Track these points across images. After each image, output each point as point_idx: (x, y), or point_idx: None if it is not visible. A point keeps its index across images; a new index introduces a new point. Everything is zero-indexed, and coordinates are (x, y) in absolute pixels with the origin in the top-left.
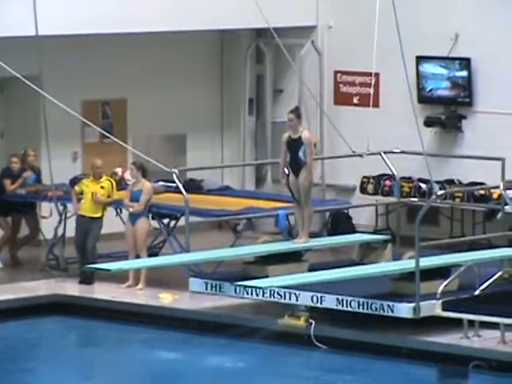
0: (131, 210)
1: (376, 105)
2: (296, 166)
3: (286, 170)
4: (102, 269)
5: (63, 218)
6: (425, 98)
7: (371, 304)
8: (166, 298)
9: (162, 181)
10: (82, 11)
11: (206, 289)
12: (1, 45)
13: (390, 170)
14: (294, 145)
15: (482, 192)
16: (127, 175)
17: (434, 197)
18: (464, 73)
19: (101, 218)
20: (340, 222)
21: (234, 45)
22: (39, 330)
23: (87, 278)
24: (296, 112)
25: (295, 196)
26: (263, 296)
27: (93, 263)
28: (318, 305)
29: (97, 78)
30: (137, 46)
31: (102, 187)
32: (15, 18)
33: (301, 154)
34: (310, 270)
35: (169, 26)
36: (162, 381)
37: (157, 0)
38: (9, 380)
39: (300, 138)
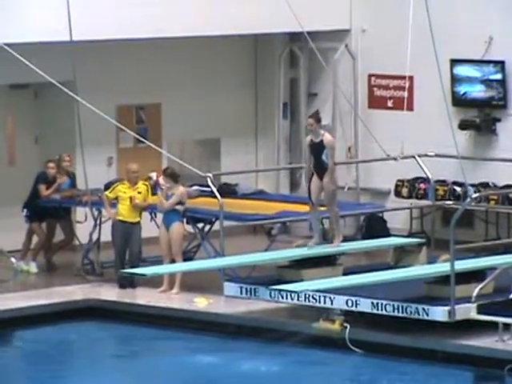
0: (159, 206)
1: (410, 108)
2: (320, 169)
3: (311, 172)
4: (137, 274)
5: (98, 222)
6: (459, 101)
7: (406, 307)
8: (200, 303)
9: (197, 185)
10: (116, 16)
11: (241, 293)
12: (35, 50)
13: (425, 173)
14: (317, 148)
15: None
16: (162, 180)
17: (468, 200)
18: (498, 75)
19: (139, 222)
20: (375, 226)
21: (268, 49)
22: (74, 334)
23: (129, 282)
24: (315, 116)
25: (312, 198)
26: (298, 300)
27: (137, 267)
28: (353, 308)
29: (131, 82)
30: (171, 50)
31: (139, 192)
32: (49, 24)
33: (324, 157)
34: (345, 273)
35: (203, 31)
36: None
37: (191, 5)
38: None
39: (322, 141)
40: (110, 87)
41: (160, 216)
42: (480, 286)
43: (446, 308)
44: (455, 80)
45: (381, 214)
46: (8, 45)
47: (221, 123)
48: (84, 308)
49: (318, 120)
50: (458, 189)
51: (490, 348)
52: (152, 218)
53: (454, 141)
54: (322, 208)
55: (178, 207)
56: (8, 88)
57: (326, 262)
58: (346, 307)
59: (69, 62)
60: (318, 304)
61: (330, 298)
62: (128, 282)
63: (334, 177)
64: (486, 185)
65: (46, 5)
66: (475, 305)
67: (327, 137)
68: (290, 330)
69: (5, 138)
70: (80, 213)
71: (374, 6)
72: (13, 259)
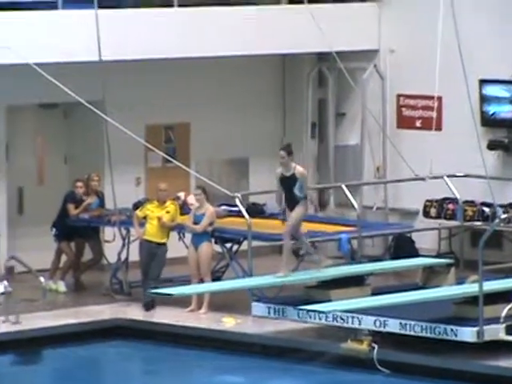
0: (191, 230)
1: (439, 128)
2: (292, 202)
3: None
4: (164, 294)
5: (126, 242)
6: (488, 121)
7: (435, 328)
8: (228, 322)
9: (225, 205)
10: (145, 36)
11: (269, 313)
12: (64, 70)
13: (453, 193)
14: (288, 182)
15: None
16: (190, 199)
17: (497, 220)
18: None
19: (166, 243)
20: (403, 246)
21: (296, 69)
22: (102, 354)
23: (149, 305)
24: (287, 149)
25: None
26: (326, 320)
27: (156, 288)
28: (381, 329)
29: (160, 102)
30: (199, 70)
31: (168, 212)
32: (78, 44)
33: (296, 190)
34: (373, 293)
35: (232, 51)
36: None
37: (219, 25)
38: None
39: (293, 174)
40: (138, 107)
41: (188, 236)
42: (508, 306)
43: (475, 329)
44: (484, 100)
45: (409, 235)
46: (38, 64)
47: (249, 143)
48: (112, 327)
49: (290, 152)
50: (486, 209)
51: None
52: (180, 237)
53: (483, 161)
54: (350, 228)
55: (207, 227)
56: (38, 107)
57: (354, 282)
58: (374, 327)
59: (98, 82)
60: (346, 324)
61: (358, 318)
62: (147, 304)
63: (302, 210)
64: None
65: (75, 25)
66: (504, 325)
67: (299, 169)
68: (318, 350)
69: (34, 158)
70: (108, 232)
71: (402, 26)
72: (41, 278)
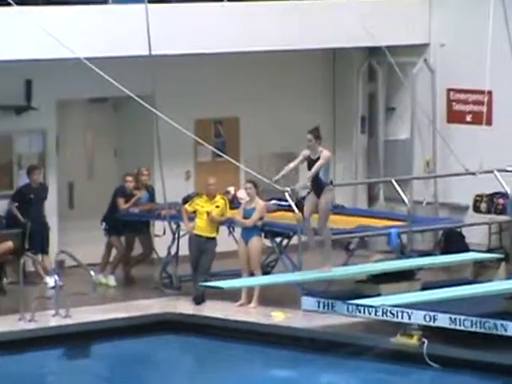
0: (241, 224)
1: (489, 123)
2: (317, 186)
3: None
4: (214, 287)
5: (176, 236)
6: None
7: (484, 323)
8: (278, 317)
9: (275, 199)
10: (195, 30)
11: (319, 307)
12: (115, 64)
13: (504, 188)
14: (314, 166)
15: None
16: (240, 194)
17: None
18: None
19: (215, 238)
20: (453, 241)
21: (346, 63)
22: (152, 348)
23: (198, 298)
24: (315, 133)
25: (306, 214)
26: (375, 315)
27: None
28: (431, 324)
29: (210, 96)
30: (249, 64)
31: (217, 206)
32: (129, 38)
33: (321, 175)
34: (423, 288)
35: (282, 45)
36: None
37: (269, 19)
38: None
39: (319, 158)
40: (188, 101)
41: (238, 230)
42: None
43: None
44: None
45: (459, 229)
46: (88, 59)
47: (299, 137)
48: (162, 321)
49: (317, 136)
50: None
51: None
52: (230, 232)
53: None
54: (400, 223)
55: (258, 221)
56: (88, 102)
57: (404, 276)
58: (423, 322)
59: (148, 76)
60: (395, 319)
61: (408, 313)
62: (197, 298)
63: (330, 196)
64: None
65: (125, 19)
66: None
67: (325, 153)
68: (368, 345)
69: (84, 152)
70: (158, 226)
71: (453, 21)
72: (92, 272)
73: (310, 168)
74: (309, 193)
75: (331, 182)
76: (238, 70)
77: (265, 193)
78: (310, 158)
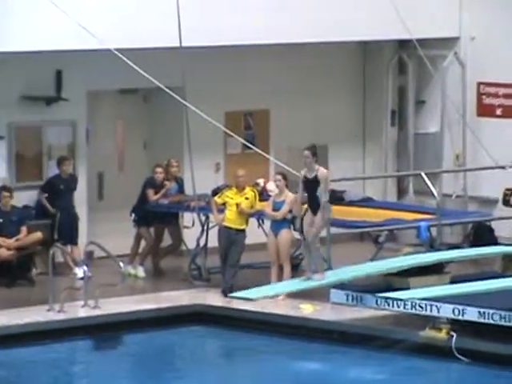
0: (270, 216)
1: None
2: (314, 205)
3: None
4: (244, 298)
5: (205, 228)
6: None
7: None
8: (306, 309)
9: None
10: (225, 22)
11: (347, 300)
12: (145, 56)
13: None
14: (310, 185)
15: None
16: (269, 186)
17: None
18: None
19: (245, 230)
20: (482, 234)
21: (376, 56)
22: (180, 339)
23: (227, 291)
24: (312, 150)
25: (305, 233)
26: (404, 308)
27: (235, 275)
28: (460, 317)
29: (240, 88)
30: (279, 56)
31: (247, 198)
32: (159, 29)
33: (318, 193)
34: (452, 282)
35: (312, 37)
36: None
37: (300, 12)
38: None
39: (316, 176)
40: (218, 93)
41: (267, 222)
42: None
43: None
44: None
45: (488, 223)
46: (118, 50)
47: (328, 130)
48: (190, 313)
49: (314, 153)
50: None
51: None
52: (259, 224)
53: None
54: (429, 216)
55: (287, 214)
56: (118, 93)
57: (433, 270)
58: (452, 316)
59: (178, 68)
60: (424, 312)
61: (437, 306)
62: (229, 290)
63: (326, 214)
64: None
65: (156, 10)
66: None
67: (322, 171)
68: (396, 338)
69: (114, 143)
70: (187, 218)
71: (483, 14)
72: (121, 263)
73: (306, 188)
74: (306, 211)
75: (329, 200)
76: (268, 62)
77: (294, 185)
78: (306, 177)
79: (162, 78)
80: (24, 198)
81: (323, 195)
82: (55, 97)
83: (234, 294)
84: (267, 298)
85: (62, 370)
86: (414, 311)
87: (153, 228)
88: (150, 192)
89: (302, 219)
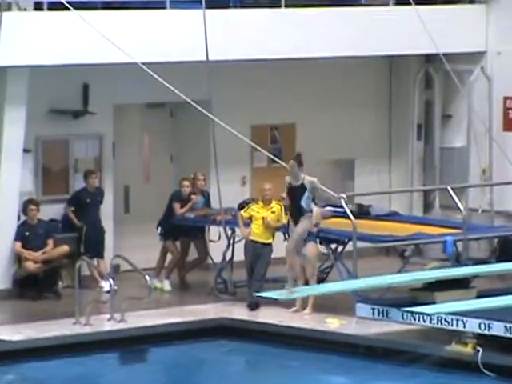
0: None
1: None
2: (297, 214)
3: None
4: (270, 298)
5: (231, 242)
6: None
7: None
8: (333, 323)
9: (330, 206)
10: (252, 37)
11: (373, 314)
12: (172, 70)
13: None
14: (295, 193)
15: None
16: None
17: None
18: None
19: (271, 244)
20: (508, 249)
21: (402, 70)
22: (206, 353)
23: (253, 305)
24: (298, 159)
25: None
26: (430, 322)
27: (261, 288)
28: (486, 332)
29: (266, 102)
30: (305, 71)
31: (273, 212)
32: (186, 43)
33: (303, 202)
34: (478, 296)
35: (339, 52)
36: None
37: (326, 26)
38: None
39: (302, 184)
40: (245, 107)
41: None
42: None
43: None
44: None
45: None
46: (145, 64)
47: (355, 144)
48: (216, 327)
49: (300, 162)
50: None
51: None
52: (285, 238)
53: None
54: (455, 230)
55: (313, 228)
56: (145, 107)
57: (459, 284)
58: (478, 330)
59: (205, 82)
60: (450, 327)
61: (463, 320)
62: (255, 304)
63: (307, 224)
64: None
65: (183, 24)
66: None
67: (308, 178)
68: (422, 353)
69: (141, 156)
70: (214, 232)
71: (509, 28)
72: (147, 277)
73: (290, 195)
74: (288, 223)
75: (311, 211)
76: (294, 76)
77: (320, 199)
78: (291, 184)
79: (189, 91)
80: (50, 211)
81: (307, 204)
82: (82, 110)
83: (261, 294)
84: (291, 299)
85: (87, 383)
86: (440, 326)
87: (179, 242)
88: (177, 205)
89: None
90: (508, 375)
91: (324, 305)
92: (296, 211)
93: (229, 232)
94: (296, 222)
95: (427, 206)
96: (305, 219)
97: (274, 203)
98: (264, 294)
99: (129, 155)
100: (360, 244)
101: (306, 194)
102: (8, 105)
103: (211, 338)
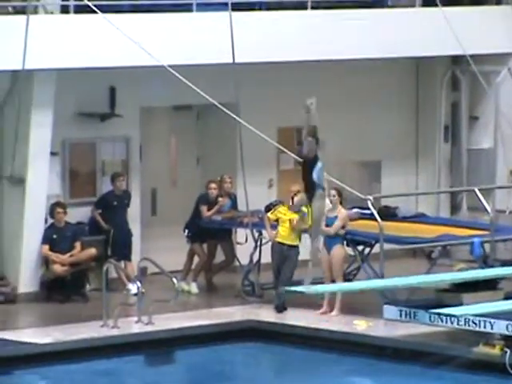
0: (323, 232)
1: None
2: (310, 189)
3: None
4: (296, 291)
5: (258, 244)
6: None
7: None
8: (360, 325)
9: (357, 207)
10: (278, 38)
11: (400, 316)
12: (199, 72)
13: None
14: (309, 165)
15: None
16: None
17: None
18: None
19: (298, 246)
20: None
21: (429, 72)
22: (233, 355)
23: (280, 307)
24: (312, 133)
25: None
26: (458, 324)
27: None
28: None
29: (292, 104)
30: (332, 72)
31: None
32: (212, 46)
33: (314, 174)
34: (506, 298)
35: (365, 54)
36: None
37: (353, 27)
38: None
39: (316, 156)
40: (271, 109)
41: (320, 238)
42: None
43: None
44: None
45: None
46: (172, 66)
47: (381, 146)
48: (243, 329)
49: (315, 137)
50: None
51: None
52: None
53: None
54: (482, 232)
55: (340, 230)
56: (171, 109)
57: (486, 286)
58: (506, 332)
59: (231, 84)
60: (477, 328)
61: (490, 322)
62: (279, 306)
63: (322, 204)
64: None
65: (209, 27)
66: None
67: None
68: (450, 355)
69: (168, 159)
70: (241, 234)
71: None
72: (174, 279)
73: (304, 169)
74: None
75: (323, 188)
76: (320, 77)
77: (346, 201)
78: (306, 157)
79: (216, 94)
80: (78, 214)
81: (318, 177)
82: (109, 113)
83: (288, 288)
84: (318, 293)
85: None
86: (467, 327)
87: (206, 244)
88: (204, 208)
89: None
90: None
91: (351, 307)
92: (309, 185)
93: (256, 234)
94: (309, 198)
95: (454, 208)
96: (316, 200)
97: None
98: (291, 288)
99: (156, 158)
100: (387, 246)
101: (319, 166)
102: (35, 108)
103: (238, 341)
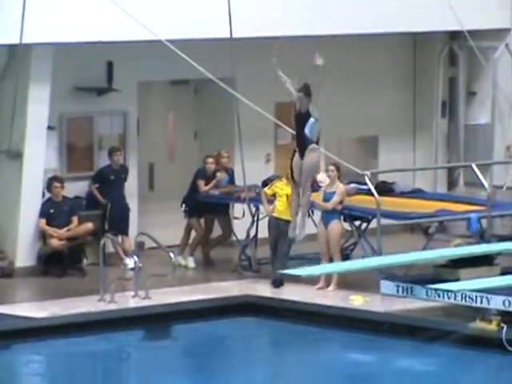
0: (321, 207)
1: None
2: (302, 145)
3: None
4: (292, 274)
5: (255, 219)
6: None
7: None
8: (357, 300)
9: (354, 183)
10: (275, 13)
11: (397, 291)
12: (196, 47)
13: None
14: (301, 120)
15: None
16: (319, 177)
17: None
18: None
19: None
20: None
21: (427, 47)
22: (230, 330)
23: (277, 282)
24: (305, 90)
25: (294, 176)
26: (455, 299)
27: (285, 266)
28: (510, 309)
29: (290, 79)
30: (329, 48)
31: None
32: (210, 21)
33: (307, 130)
34: (502, 273)
35: (362, 29)
36: (353, 382)
37: (350, 3)
38: (201, 381)
39: (308, 111)
40: (268, 84)
41: (317, 213)
42: None
43: None
44: None
45: None
46: (169, 41)
47: (379, 121)
48: (240, 304)
49: (308, 94)
50: None
51: None
52: (309, 215)
53: None
54: (479, 207)
55: (337, 205)
56: (169, 84)
57: (483, 261)
58: (502, 307)
59: (229, 59)
60: (474, 304)
61: (487, 297)
62: (276, 281)
63: (314, 157)
64: None
65: (206, 1)
66: None
67: (316, 113)
68: (446, 330)
69: (165, 134)
70: (238, 209)
71: None
72: (171, 254)
73: (296, 122)
74: (294, 153)
75: (317, 142)
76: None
77: (344, 176)
78: (299, 111)
79: (213, 69)
80: (75, 188)
81: (311, 133)
82: (106, 88)
83: (284, 271)
84: (315, 275)
85: (112, 360)
86: (464, 303)
87: (203, 219)
88: (201, 183)
89: (291, 163)
90: None
91: (348, 282)
92: (301, 140)
93: (253, 209)
94: (301, 155)
95: (451, 183)
96: (309, 152)
97: None
98: (288, 271)
99: (153, 132)
100: (384, 221)
101: (311, 121)
102: (32, 82)
103: (235, 315)
